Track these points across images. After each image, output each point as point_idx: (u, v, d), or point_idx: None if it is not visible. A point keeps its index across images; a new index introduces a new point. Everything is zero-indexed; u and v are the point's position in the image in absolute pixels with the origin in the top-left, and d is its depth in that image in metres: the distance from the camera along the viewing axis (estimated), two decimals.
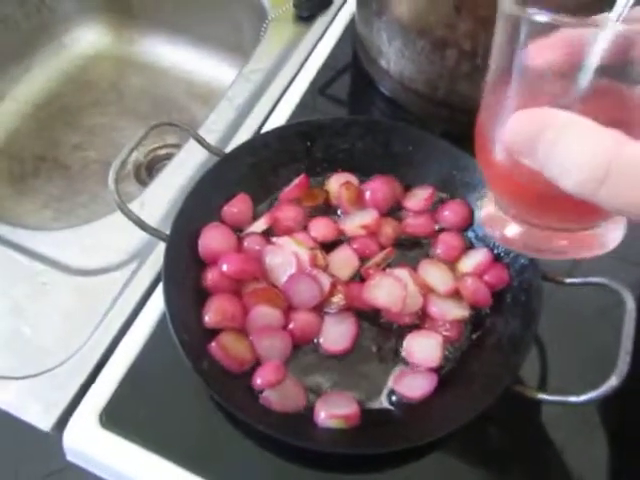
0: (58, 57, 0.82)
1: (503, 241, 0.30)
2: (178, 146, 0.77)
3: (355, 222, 0.46)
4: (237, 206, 0.46)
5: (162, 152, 0.78)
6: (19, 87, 0.79)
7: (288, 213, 0.46)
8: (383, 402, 0.40)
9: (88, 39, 0.84)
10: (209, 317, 0.40)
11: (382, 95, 0.58)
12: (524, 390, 0.36)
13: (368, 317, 0.43)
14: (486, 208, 0.33)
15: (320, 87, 0.59)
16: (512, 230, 0.30)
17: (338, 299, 0.42)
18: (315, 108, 0.57)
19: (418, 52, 0.49)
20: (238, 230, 0.46)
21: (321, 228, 0.46)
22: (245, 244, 0.44)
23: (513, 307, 0.41)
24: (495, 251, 0.44)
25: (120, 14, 0.83)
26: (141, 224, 0.42)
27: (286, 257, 0.43)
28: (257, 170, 0.48)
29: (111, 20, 0.84)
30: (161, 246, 0.48)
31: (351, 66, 0.62)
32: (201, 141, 0.47)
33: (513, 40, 0.24)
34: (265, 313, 0.41)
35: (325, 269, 0.43)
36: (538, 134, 0.22)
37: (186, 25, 0.81)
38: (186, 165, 0.54)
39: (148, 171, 0.77)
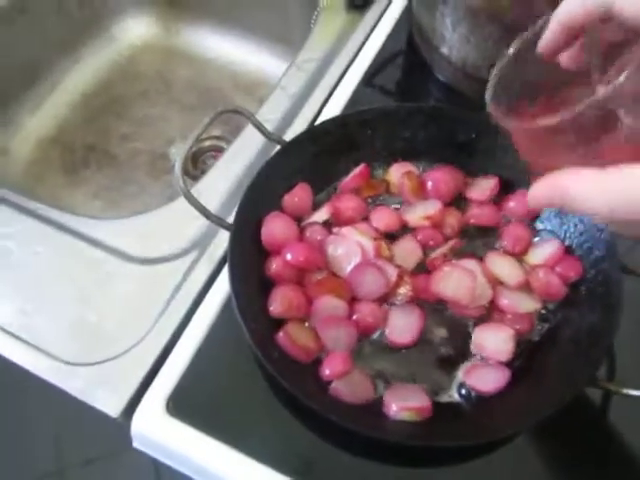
0: (108, 48, 0.83)
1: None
2: (223, 138, 0.77)
3: (418, 213, 0.45)
4: (298, 195, 0.45)
5: (207, 144, 0.78)
6: (70, 77, 0.80)
7: (349, 203, 0.45)
8: (452, 395, 0.39)
9: (137, 30, 0.84)
10: (275, 307, 0.40)
11: (439, 83, 0.57)
12: (607, 385, 0.35)
13: (433, 309, 0.42)
14: None
15: (373, 76, 0.58)
16: None
17: (405, 290, 0.41)
18: (371, 97, 0.56)
19: (485, 37, 0.47)
20: (297, 219, 0.45)
21: (383, 218, 0.45)
22: (307, 234, 0.44)
23: (589, 300, 0.40)
24: (566, 242, 0.43)
25: (168, 5, 0.83)
26: (205, 212, 0.42)
27: (350, 247, 0.42)
28: (317, 159, 0.47)
29: (159, 11, 0.84)
30: (220, 235, 0.48)
31: (404, 54, 0.60)
32: (262, 129, 0.46)
33: None
34: (330, 303, 0.40)
35: (390, 260, 0.42)
36: (552, 203, 0.26)
37: (233, 16, 0.81)
38: (242, 154, 0.54)
39: (194, 163, 0.77)
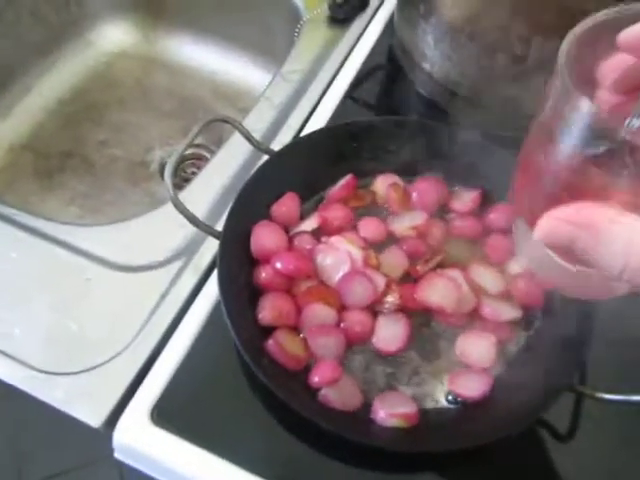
0: (84, 53, 0.82)
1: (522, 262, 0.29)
2: (204, 147, 0.77)
3: (405, 223, 0.46)
4: (286, 204, 0.46)
5: (188, 152, 0.77)
6: (45, 81, 0.78)
7: (336, 213, 0.46)
8: (438, 402, 0.40)
9: (114, 36, 0.83)
10: (264, 315, 0.40)
11: (421, 97, 0.58)
12: (583, 390, 0.36)
13: (419, 317, 0.43)
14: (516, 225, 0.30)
15: (356, 89, 0.59)
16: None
17: (393, 298, 0.42)
18: (355, 110, 0.58)
19: (466, 55, 0.49)
20: (285, 228, 0.46)
21: (371, 228, 0.46)
22: (295, 243, 0.44)
23: (566, 308, 0.41)
24: None
25: (147, 12, 0.83)
26: (194, 220, 0.42)
27: (339, 256, 0.43)
28: (305, 169, 0.47)
29: (138, 18, 0.83)
30: (206, 243, 0.48)
31: (387, 68, 0.62)
32: (251, 139, 0.47)
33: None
34: (319, 311, 0.41)
35: (377, 269, 0.43)
36: (571, 241, 0.21)
37: (214, 25, 0.81)
38: (226, 164, 0.54)
39: (174, 171, 0.77)
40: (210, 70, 0.82)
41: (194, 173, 0.74)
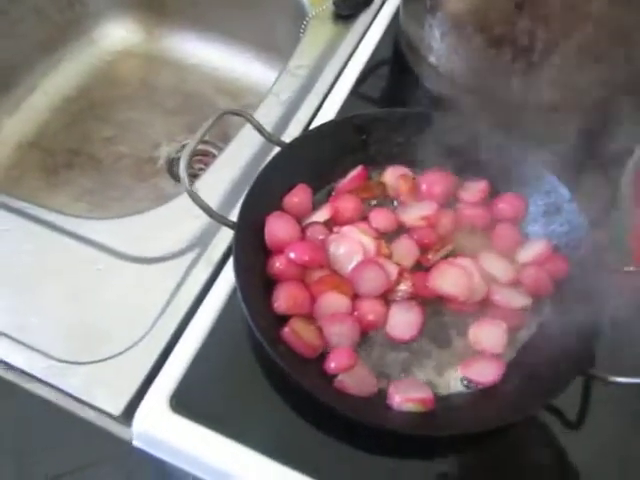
0: (88, 52, 0.82)
1: None
2: (210, 143, 0.77)
3: (415, 213, 0.46)
4: (298, 196, 0.46)
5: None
6: (49, 80, 0.79)
7: (348, 204, 0.47)
8: (451, 387, 0.40)
9: (118, 35, 0.84)
10: (279, 304, 0.41)
11: (427, 91, 0.59)
12: (596, 373, 0.37)
13: (432, 305, 0.44)
14: None
15: (363, 83, 0.60)
16: None
17: (405, 287, 0.42)
18: (364, 103, 0.58)
19: (472, 49, 0.50)
20: (297, 219, 0.46)
21: (382, 219, 0.46)
22: (308, 233, 0.45)
23: (575, 295, 0.42)
24: (553, 242, 0.45)
25: (150, 11, 0.84)
26: (209, 211, 0.43)
27: (352, 246, 0.43)
28: (315, 161, 0.48)
29: (141, 16, 0.84)
30: (219, 235, 0.49)
31: (393, 63, 0.63)
32: (263, 131, 0.47)
33: None
34: (334, 300, 0.42)
35: (389, 258, 0.44)
36: None
37: (217, 22, 0.82)
38: (237, 156, 0.55)
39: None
40: (213, 67, 0.83)
41: (201, 169, 0.74)
